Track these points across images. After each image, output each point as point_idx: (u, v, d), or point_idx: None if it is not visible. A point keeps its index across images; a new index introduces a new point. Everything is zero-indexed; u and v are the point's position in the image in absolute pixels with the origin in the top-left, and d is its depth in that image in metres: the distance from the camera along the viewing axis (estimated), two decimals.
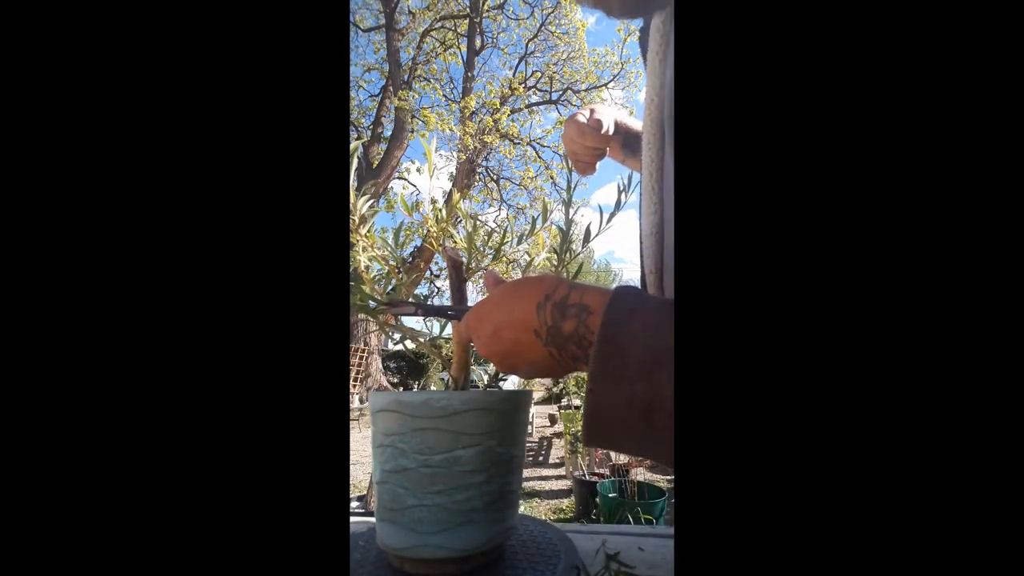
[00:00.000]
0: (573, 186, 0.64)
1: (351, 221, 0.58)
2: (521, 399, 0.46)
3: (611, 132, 0.70)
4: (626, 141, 0.73)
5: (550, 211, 0.66)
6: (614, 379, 0.29)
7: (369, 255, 0.58)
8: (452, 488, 0.40)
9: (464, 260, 0.56)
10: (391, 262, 0.59)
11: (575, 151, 0.72)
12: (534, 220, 0.64)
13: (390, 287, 0.59)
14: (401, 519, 0.42)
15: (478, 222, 0.65)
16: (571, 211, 0.62)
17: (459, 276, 0.53)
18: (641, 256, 0.52)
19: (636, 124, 0.74)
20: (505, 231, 0.64)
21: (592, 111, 0.70)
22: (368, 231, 0.58)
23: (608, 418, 0.30)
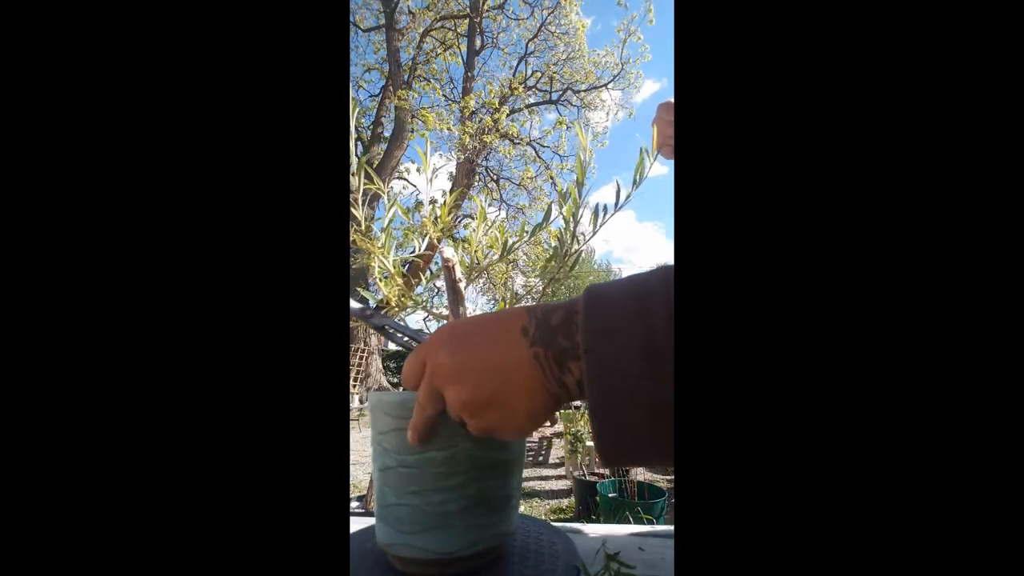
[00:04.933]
0: (586, 187, 0.64)
1: (359, 224, 0.58)
2: None
3: None
4: None
5: (551, 213, 0.66)
6: (609, 373, 0.26)
7: (381, 254, 0.58)
8: (427, 490, 0.40)
9: (456, 261, 0.56)
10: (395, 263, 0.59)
11: (662, 130, 0.72)
12: (536, 228, 0.64)
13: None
14: (386, 516, 0.42)
15: (487, 223, 0.65)
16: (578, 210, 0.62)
17: (453, 278, 0.53)
18: None
19: None
20: (507, 233, 0.64)
21: None
22: (366, 229, 0.59)
23: (619, 418, 0.26)
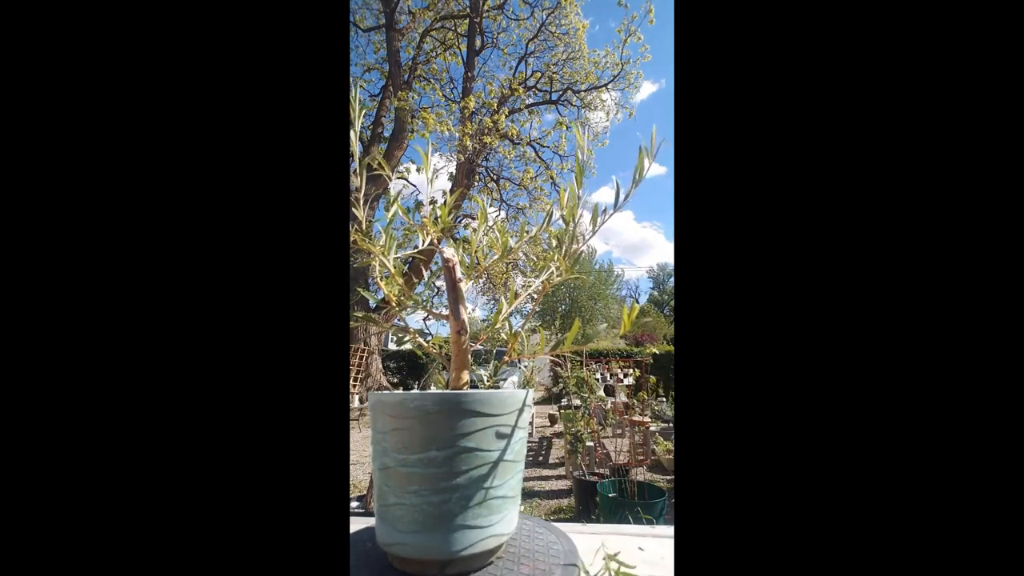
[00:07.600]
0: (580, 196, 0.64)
1: (360, 225, 0.58)
2: (506, 400, 0.44)
3: None
4: None
5: (552, 216, 0.66)
6: None
7: (383, 255, 0.58)
8: (427, 489, 0.40)
9: (457, 261, 0.56)
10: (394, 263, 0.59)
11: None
12: (537, 229, 0.64)
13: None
14: (386, 515, 0.42)
15: (487, 224, 0.65)
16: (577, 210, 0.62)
17: (453, 277, 0.53)
18: None
19: None
20: (507, 233, 0.64)
21: None
22: (366, 229, 0.59)
23: None
